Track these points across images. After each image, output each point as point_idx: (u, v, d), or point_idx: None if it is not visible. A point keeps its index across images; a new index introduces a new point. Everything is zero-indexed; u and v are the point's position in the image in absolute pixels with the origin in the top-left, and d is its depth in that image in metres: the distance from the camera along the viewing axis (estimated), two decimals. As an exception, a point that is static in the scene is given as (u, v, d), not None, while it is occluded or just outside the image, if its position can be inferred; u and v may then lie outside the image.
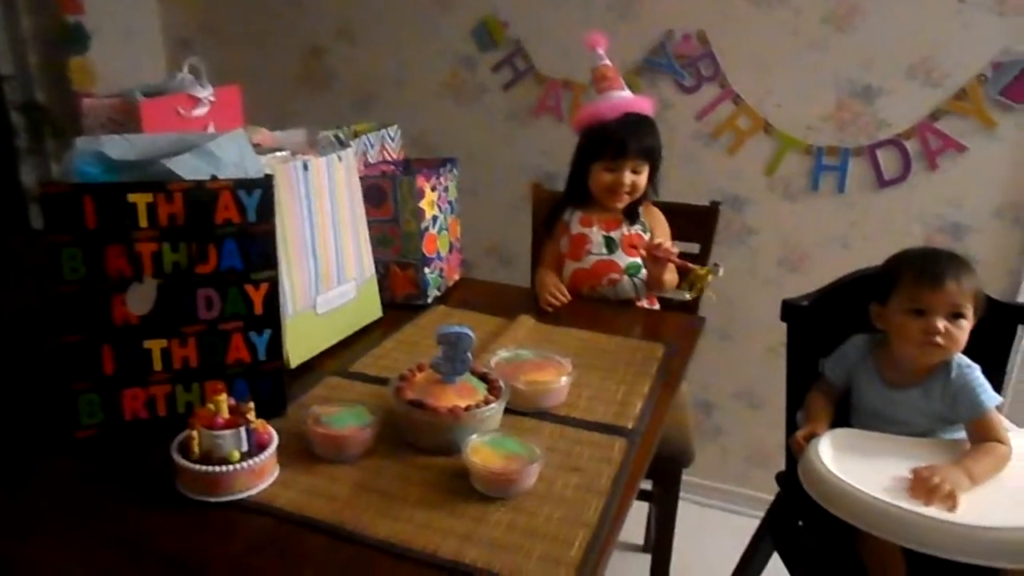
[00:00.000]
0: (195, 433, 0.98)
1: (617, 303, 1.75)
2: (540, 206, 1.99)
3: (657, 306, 1.81)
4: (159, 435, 1.04)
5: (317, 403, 1.16)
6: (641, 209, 1.76)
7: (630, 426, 1.19)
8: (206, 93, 1.50)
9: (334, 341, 1.40)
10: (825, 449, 1.33)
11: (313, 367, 1.34)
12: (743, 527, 1.85)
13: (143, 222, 1.03)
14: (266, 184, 1.09)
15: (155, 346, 1.08)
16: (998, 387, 1.37)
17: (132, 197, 1.02)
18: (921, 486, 1.19)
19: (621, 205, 1.74)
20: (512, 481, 0.99)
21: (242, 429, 0.98)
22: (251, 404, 1.03)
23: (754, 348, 2.37)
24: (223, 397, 1.00)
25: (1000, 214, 2.01)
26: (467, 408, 1.08)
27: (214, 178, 1.06)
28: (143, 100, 1.38)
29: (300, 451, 1.08)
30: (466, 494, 1.01)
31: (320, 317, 1.36)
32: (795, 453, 1.40)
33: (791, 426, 1.57)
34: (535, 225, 2.01)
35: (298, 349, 1.31)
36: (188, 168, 1.07)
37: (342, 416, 1.09)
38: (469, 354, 1.13)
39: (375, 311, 1.52)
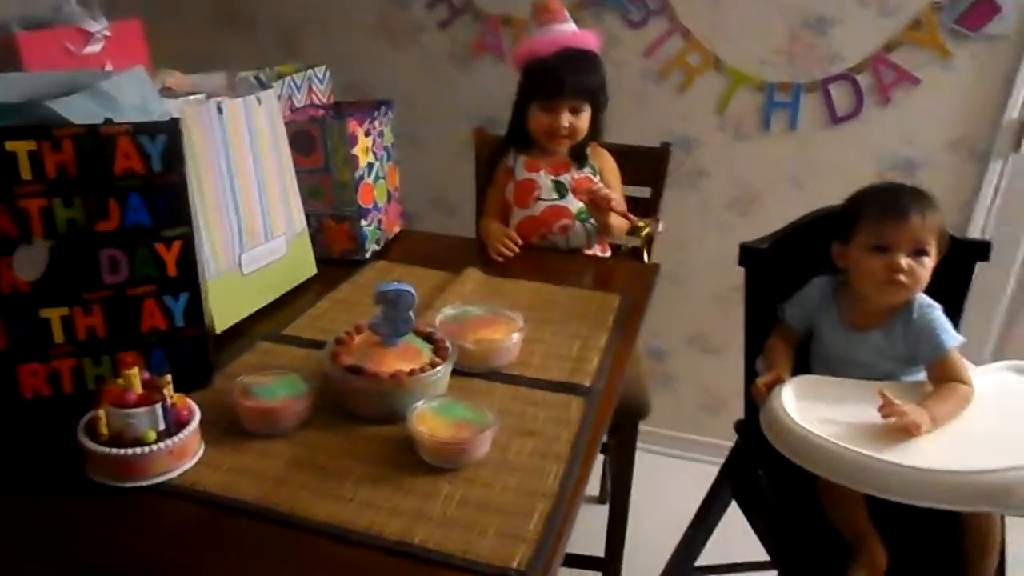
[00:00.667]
0: (102, 412, 0.86)
1: (568, 252, 1.66)
2: (484, 152, 1.88)
3: (609, 253, 1.74)
4: (67, 415, 0.92)
5: (246, 372, 1.05)
6: (589, 151, 1.67)
7: (587, 384, 1.12)
8: (99, 27, 1.33)
9: (264, 303, 1.29)
10: (788, 397, 1.28)
11: (242, 332, 1.22)
12: (699, 475, 1.82)
13: (26, 174, 0.89)
14: (172, 128, 0.96)
15: (54, 315, 0.95)
16: (957, 327, 1.34)
17: (11, 145, 0.88)
18: (889, 407, 1.16)
19: (563, 149, 1.64)
20: (462, 450, 0.91)
21: (157, 406, 0.87)
22: (168, 377, 0.91)
23: (706, 293, 2.32)
24: (134, 371, 0.88)
25: (953, 148, 1.98)
26: (411, 373, 0.99)
27: (109, 122, 0.93)
28: (21, 33, 1.21)
29: (228, 427, 0.97)
30: (413, 467, 0.92)
31: (247, 277, 1.24)
32: (756, 401, 1.35)
33: (750, 373, 1.52)
34: (479, 172, 1.91)
35: (224, 313, 1.19)
36: (80, 111, 0.94)
37: (274, 386, 0.99)
38: (411, 313, 1.03)
39: (309, 268, 1.41)
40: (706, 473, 1.71)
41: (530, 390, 1.10)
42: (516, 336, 1.13)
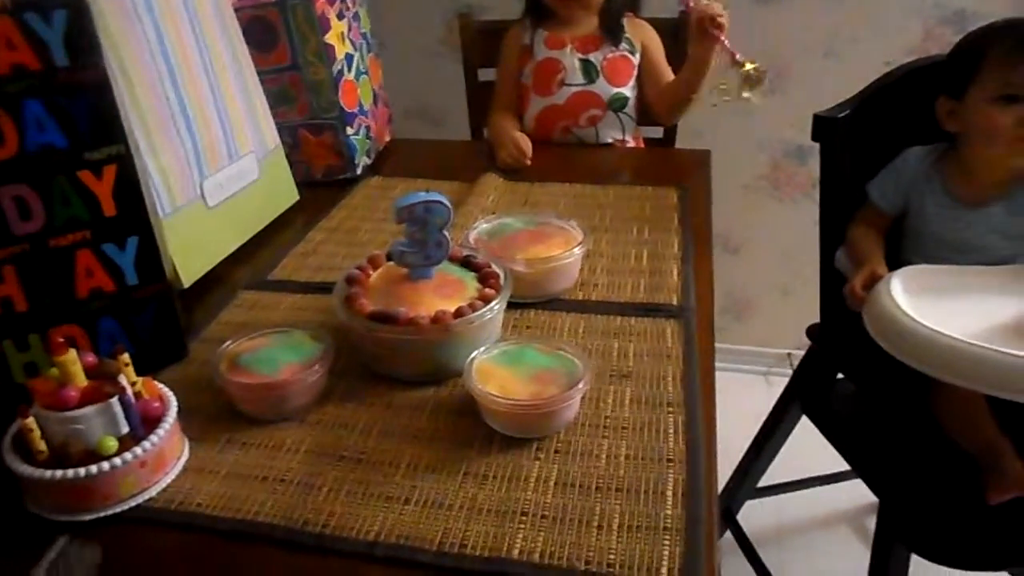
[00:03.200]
0: (31, 421, 0.59)
1: (596, 147, 1.38)
2: (472, 43, 1.57)
3: (642, 146, 1.46)
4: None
5: (232, 334, 0.79)
6: (625, 22, 1.36)
7: (675, 301, 0.87)
8: None
9: (239, 242, 1.01)
10: (898, 293, 1.04)
11: (216, 282, 0.95)
12: (727, 386, 1.63)
13: None
14: (73, 4, 0.66)
15: (-54, 288, 0.67)
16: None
17: None
18: None
19: (583, 14, 1.34)
20: (551, 414, 0.66)
21: (113, 400, 0.61)
22: (124, 356, 0.64)
23: (727, 185, 2.05)
24: (70, 355, 0.61)
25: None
26: (458, 313, 0.72)
27: (-25, -8, 0.62)
28: None
29: (217, 412, 0.71)
30: (481, 441, 0.67)
31: (213, 211, 0.95)
32: (851, 304, 1.12)
33: (827, 270, 1.28)
34: (468, 69, 1.60)
35: (189, 260, 0.91)
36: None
37: (273, 350, 0.72)
38: (446, 233, 0.76)
39: (289, 194, 1.12)
40: (735, 383, 1.50)
41: (606, 318, 0.84)
42: (578, 250, 0.87)
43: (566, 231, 0.91)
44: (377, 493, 0.62)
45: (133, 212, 0.72)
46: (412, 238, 0.75)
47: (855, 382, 1.32)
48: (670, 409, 0.70)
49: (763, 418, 1.46)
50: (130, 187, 0.72)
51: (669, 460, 0.64)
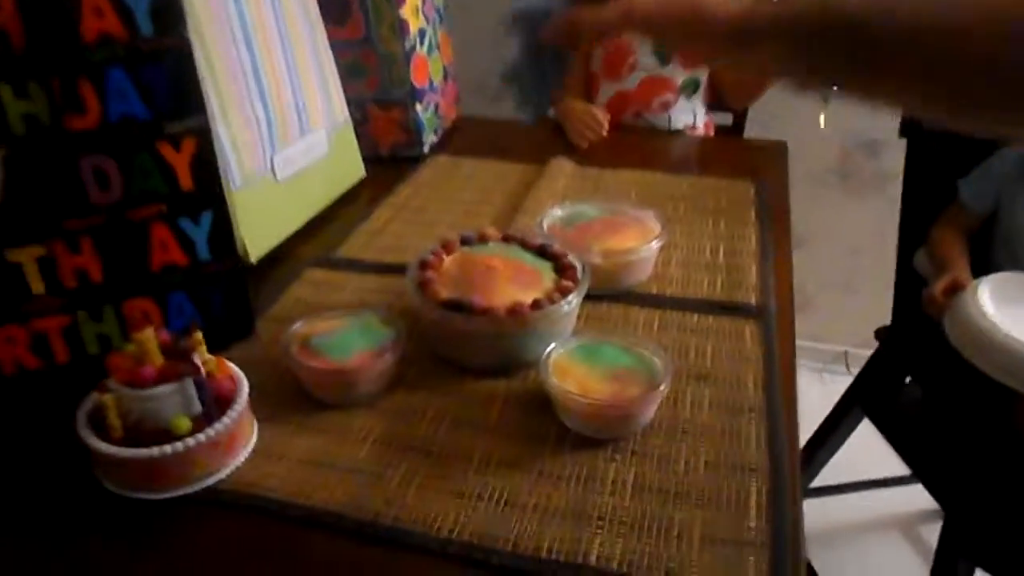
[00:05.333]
0: (108, 398, 0.59)
1: (667, 133, 1.34)
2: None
3: (712, 134, 1.41)
4: (65, 393, 0.65)
5: (299, 313, 0.78)
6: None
7: (753, 301, 0.83)
8: None
9: (307, 217, 1.00)
10: (986, 301, 0.99)
11: (282, 259, 0.94)
12: None
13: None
14: (161, -32, 0.64)
15: (25, 257, 0.66)
16: None
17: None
18: None
19: None
20: (630, 416, 0.64)
21: (188, 380, 0.60)
22: (199, 335, 0.64)
23: (792, 174, 1.99)
24: (148, 332, 0.60)
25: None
26: (535, 305, 0.70)
27: (64, -43, 0.61)
28: None
29: (284, 395, 0.70)
30: (555, 438, 0.65)
31: (283, 185, 0.94)
32: (932, 309, 1.07)
33: (904, 271, 1.23)
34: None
35: (258, 235, 0.90)
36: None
37: (343, 334, 0.71)
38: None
39: (356, 170, 1.11)
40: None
41: (681, 314, 0.81)
42: (655, 244, 0.83)
43: (642, 222, 0.88)
44: (449, 488, 0.61)
45: (209, 187, 0.71)
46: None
47: (924, 388, 1.27)
48: (751, 415, 0.67)
49: (815, 415, 1.42)
50: (207, 161, 0.70)
51: (751, 469, 0.62)
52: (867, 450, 1.45)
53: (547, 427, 0.66)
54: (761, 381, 0.71)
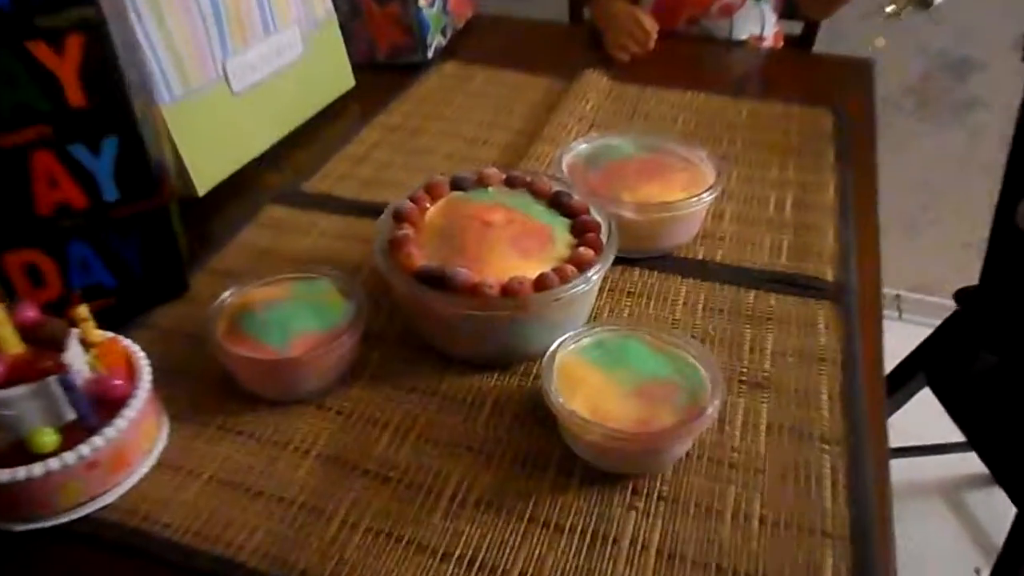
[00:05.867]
0: (-61, 403, 0.43)
1: (729, 44, 1.11)
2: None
3: (781, 45, 1.18)
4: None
5: (246, 266, 0.61)
6: None
7: (829, 275, 0.64)
8: None
9: (275, 138, 0.81)
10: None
11: (242, 191, 0.76)
12: None
13: None
14: None
15: None
16: None
17: None
18: None
19: None
20: (659, 451, 0.46)
21: (52, 380, 0.43)
22: (81, 308, 0.47)
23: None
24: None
25: None
26: (540, 283, 0.52)
27: None
28: None
29: (211, 379, 0.55)
30: (558, 466, 0.48)
31: (240, 98, 0.75)
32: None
33: (1003, 226, 1.03)
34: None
35: (206, 161, 0.72)
36: None
37: (286, 308, 0.53)
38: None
39: (341, 78, 0.91)
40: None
41: (735, 289, 0.63)
42: (708, 196, 0.64)
43: (690, 163, 0.68)
44: (408, 537, 0.45)
45: (110, 104, 0.53)
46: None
47: (1005, 359, 1.08)
48: (824, 446, 0.50)
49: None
50: (105, 69, 0.52)
51: (825, 534, 0.44)
52: (911, 414, 1.29)
53: (549, 448, 0.49)
54: (839, 393, 0.53)
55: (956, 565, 1.36)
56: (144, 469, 0.48)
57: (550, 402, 0.47)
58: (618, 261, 0.62)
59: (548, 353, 0.49)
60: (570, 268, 0.53)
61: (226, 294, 0.54)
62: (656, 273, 0.64)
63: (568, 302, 0.52)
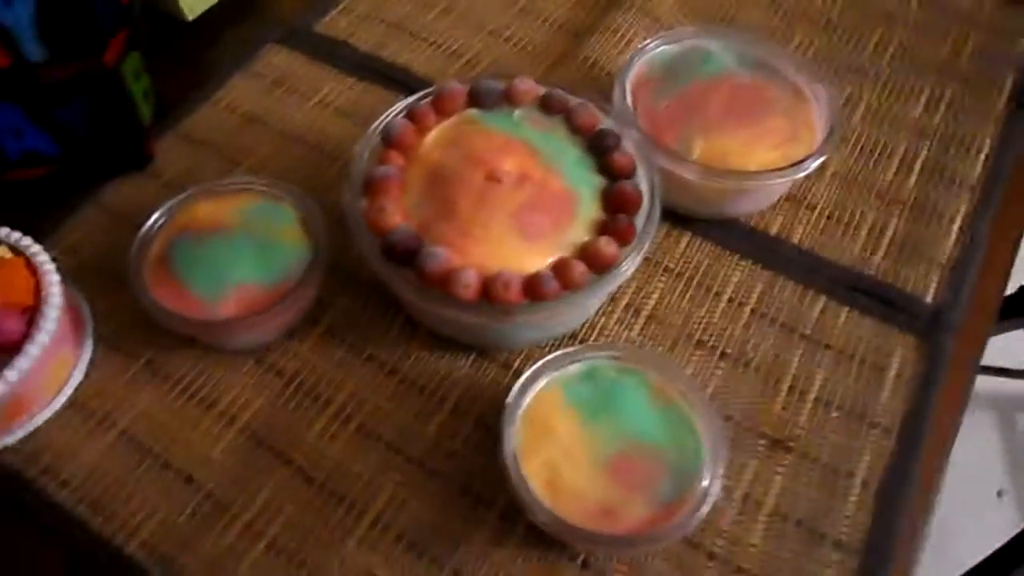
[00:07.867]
0: None
1: None
2: None
3: None
4: None
5: (221, 138, 0.51)
6: None
7: (930, 296, 0.50)
8: None
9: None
10: None
11: (242, 16, 0.63)
12: None
13: None
14: None
15: None
16: None
17: None
18: None
19: None
20: (636, 543, 0.38)
21: (-73, 319, 0.37)
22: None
23: None
24: None
25: None
26: (532, 288, 0.40)
27: None
28: None
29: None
30: (504, 513, 0.41)
31: None
32: None
33: None
34: None
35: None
36: None
37: (233, 243, 0.44)
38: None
39: None
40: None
41: (801, 290, 0.49)
42: (812, 163, 0.48)
43: (801, 102, 0.51)
44: (311, 564, 0.39)
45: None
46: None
47: None
48: (834, 555, 0.40)
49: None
50: None
51: None
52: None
53: (502, 480, 0.41)
54: (878, 481, 0.42)
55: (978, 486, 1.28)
56: (55, 407, 0.43)
57: (502, 453, 0.38)
58: (667, 216, 0.50)
59: (522, 380, 0.40)
60: (580, 268, 0.41)
61: (160, 213, 0.45)
62: (710, 246, 0.51)
63: (566, 310, 0.41)
